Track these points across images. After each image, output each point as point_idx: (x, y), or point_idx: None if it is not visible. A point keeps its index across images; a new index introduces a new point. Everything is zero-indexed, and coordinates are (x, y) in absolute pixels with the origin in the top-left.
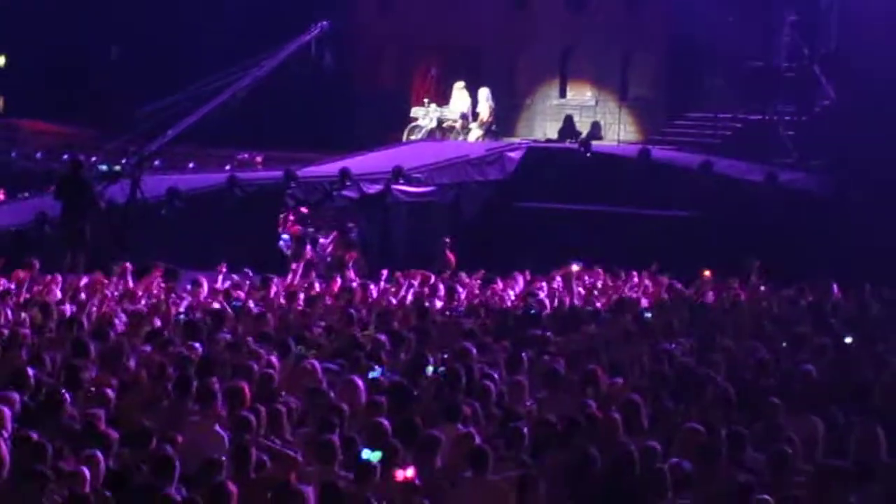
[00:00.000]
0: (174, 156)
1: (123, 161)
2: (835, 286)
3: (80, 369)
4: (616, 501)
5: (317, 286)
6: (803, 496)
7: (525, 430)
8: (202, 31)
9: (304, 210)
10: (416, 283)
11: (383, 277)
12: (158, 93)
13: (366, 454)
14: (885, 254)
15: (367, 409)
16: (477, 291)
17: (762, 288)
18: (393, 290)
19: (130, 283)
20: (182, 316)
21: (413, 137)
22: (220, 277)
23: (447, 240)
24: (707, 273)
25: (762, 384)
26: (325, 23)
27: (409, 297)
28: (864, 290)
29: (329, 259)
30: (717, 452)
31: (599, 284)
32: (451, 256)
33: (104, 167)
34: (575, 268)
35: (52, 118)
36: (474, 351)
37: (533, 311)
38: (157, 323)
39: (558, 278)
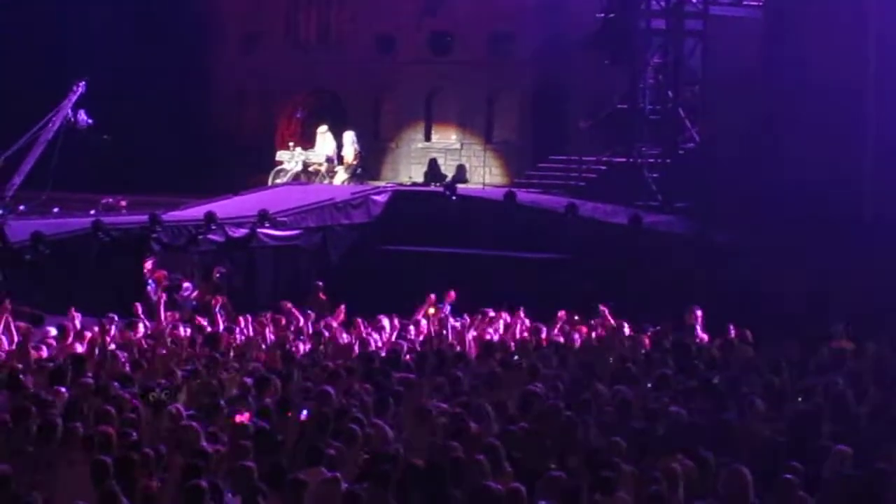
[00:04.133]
0: (37, 200)
1: None
2: (699, 328)
3: None
4: None
5: (181, 331)
6: None
7: (391, 473)
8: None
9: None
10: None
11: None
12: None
13: None
14: (748, 295)
15: (234, 453)
16: (344, 334)
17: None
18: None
19: None
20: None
21: (278, 181)
22: (78, 321)
23: (320, 283)
24: (561, 314)
25: (630, 426)
26: (82, 83)
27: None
28: (728, 332)
29: (195, 303)
30: (578, 496)
31: (460, 326)
32: (325, 298)
33: None
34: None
35: None
36: (340, 394)
37: (400, 354)
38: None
39: (425, 322)
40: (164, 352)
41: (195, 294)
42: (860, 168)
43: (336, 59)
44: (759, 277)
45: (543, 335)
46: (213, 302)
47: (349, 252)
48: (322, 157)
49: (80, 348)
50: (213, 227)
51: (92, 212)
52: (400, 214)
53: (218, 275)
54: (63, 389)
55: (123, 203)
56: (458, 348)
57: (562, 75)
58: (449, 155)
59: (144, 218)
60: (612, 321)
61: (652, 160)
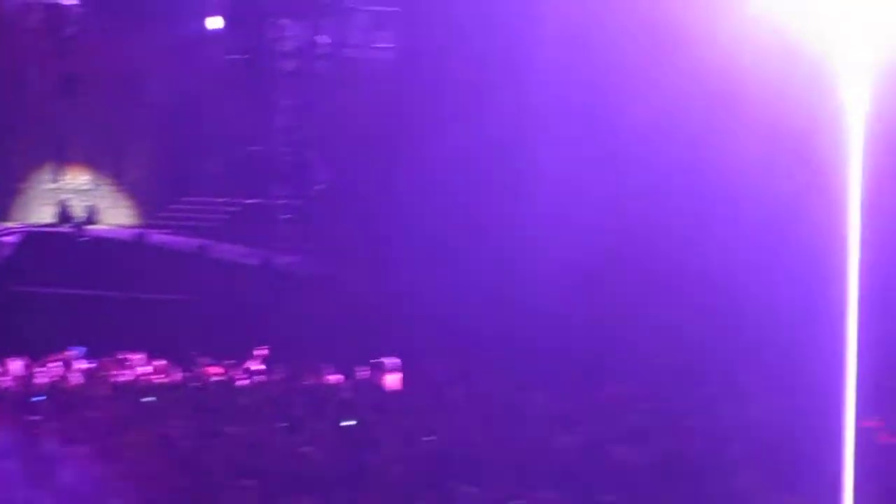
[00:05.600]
0: None
1: None
2: (328, 369)
3: None
4: None
5: None
6: None
7: None
8: None
9: None
10: None
11: None
12: None
13: None
14: (375, 332)
15: None
16: None
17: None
18: None
19: None
20: None
21: None
22: None
23: None
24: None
25: (263, 468)
26: None
27: None
28: (357, 373)
29: None
30: None
31: (97, 368)
32: None
33: None
34: (73, 353)
35: None
36: None
37: (32, 397)
38: None
39: (57, 364)
40: None
41: None
42: (489, 205)
43: None
44: (391, 316)
45: (176, 376)
46: None
47: None
48: None
49: None
50: None
51: None
52: (30, 256)
53: None
54: None
55: None
56: (89, 390)
57: (194, 117)
58: (80, 196)
59: None
60: (252, 363)
61: (284, 201)
